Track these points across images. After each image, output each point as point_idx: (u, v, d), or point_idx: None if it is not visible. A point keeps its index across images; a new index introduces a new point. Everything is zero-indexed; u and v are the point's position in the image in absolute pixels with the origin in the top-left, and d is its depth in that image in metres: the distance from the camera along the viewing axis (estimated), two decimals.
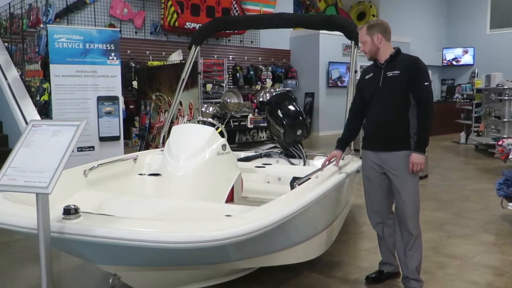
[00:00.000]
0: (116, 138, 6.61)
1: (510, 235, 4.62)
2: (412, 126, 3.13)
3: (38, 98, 6.79)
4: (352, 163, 4.25)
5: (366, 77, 3.32)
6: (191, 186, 3.55)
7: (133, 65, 11.05)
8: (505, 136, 9.21)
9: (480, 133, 11.01)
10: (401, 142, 3.14)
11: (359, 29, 3.29)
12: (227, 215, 2.53)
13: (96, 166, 3.67)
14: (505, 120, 9.99)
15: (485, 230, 4.79)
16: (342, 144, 3.53)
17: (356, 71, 4.83)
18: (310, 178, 3.18)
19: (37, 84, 6.97)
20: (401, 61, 3.19)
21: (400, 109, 3.12)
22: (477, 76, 12.35)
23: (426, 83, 3.13)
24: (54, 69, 6.24)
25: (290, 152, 4.89)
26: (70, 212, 2.11)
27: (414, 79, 3.11)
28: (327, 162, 3.53)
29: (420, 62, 3.19)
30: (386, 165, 3.19)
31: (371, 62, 3.35)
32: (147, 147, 9.17)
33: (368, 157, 3.32)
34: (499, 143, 5.48)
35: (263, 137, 10.13)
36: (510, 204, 4.77)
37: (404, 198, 3.16)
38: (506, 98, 9.96)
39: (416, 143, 3.12)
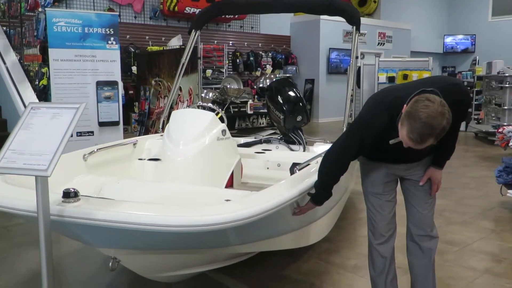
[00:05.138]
0: (116, 123, 6.60)
1: (509, 222, 4.63)
2: None
3: (37, 82, 6.76)
4: None
5: (392, 141, 2.24)
6: (190, 171, 3.54)
7: (133, 50, 10.99)
8: (505, 123, 9.20)
9: (480, 121, 11.01)
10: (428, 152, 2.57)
11: (426, 136, 2.06)
12: (227, 200, 2.52)
13: (95, 150, 3.66)
14: (506, 107, 9.98)
15: (484, 217, 4.80)
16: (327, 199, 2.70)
17: (357, 57, 4.79)
18: (309, 164, 3.17)
19: (36, 69, 6.93)
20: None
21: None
22: (478, 64, 12.32)
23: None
24: (53, 53, 6.20)
25: (290, 138, 4.88)
26: (69, 195, 2.10)
27: (461, 118, 2.46)
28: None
29: (468, 96, 2.51)
30: (410, 173, 2.64)
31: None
32: (146, 132, 9.16)
33: (386, 168, 2.65)
34: (500, 130, 5.48)
35: (263, 123, 10.14)
36: (509, 191, 4.79)
37: (430, 205, 2.67)
38: (507, 85, 9.94)
39: (443, 156, 2.60)
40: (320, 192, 2.61)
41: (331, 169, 2.55)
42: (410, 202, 2.71)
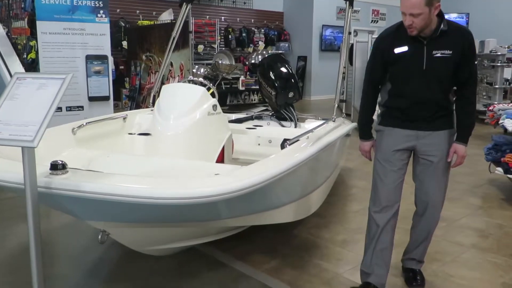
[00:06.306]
0: (106, 98, 6.51)
1: (496, 199, 4.69)
2: (451, 102, 2.69)
3: (25, 56, 6.64)
4: (343, 125, 4.25)
5: (397, 50, 2.55)
6: (181, 145, 3.52)
7: (123, 24, 10.80)
8: (496, 102, 9.23)
9: None
10: (444, 121, 2.67)
11: None
12: (217, 174, 2.52)
13: (84, 124, 3.63)
14: (497, 86, 9.99)
15: (472, 193, 4.86)
16: (370, 130, 2.87)
17: (350, 33, 4.75)
18: (299, 140, 3.17)
19: (24, 42, 6.80)
20: (451, 36, 2.52)
21: (447, 92, 2.63)
22: None
23: (476, 62, 2.69)
24: (41, 26, 6.07)
25: (281, 114, 4.87)
26: (57, 167, 2.08)
27: (467, 60, 2.56)
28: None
29: (473, 38, 2.62)
30: (424, 146, 2.67)
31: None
32: (137, 108, 9.08)
33: (397, 135, 2.68)
34: (490, 108, 5.50)
35: (254, 100, 10.07)
36: (497, 168, 4.82)
37: (438, 185, 2.74)
38: (498, 64, 9.94)
39: (464, 133, 2.65)
40: (359, 128, 2.91)
41: (361, 101, 2.83)
42: (422, 185, 2.79)
